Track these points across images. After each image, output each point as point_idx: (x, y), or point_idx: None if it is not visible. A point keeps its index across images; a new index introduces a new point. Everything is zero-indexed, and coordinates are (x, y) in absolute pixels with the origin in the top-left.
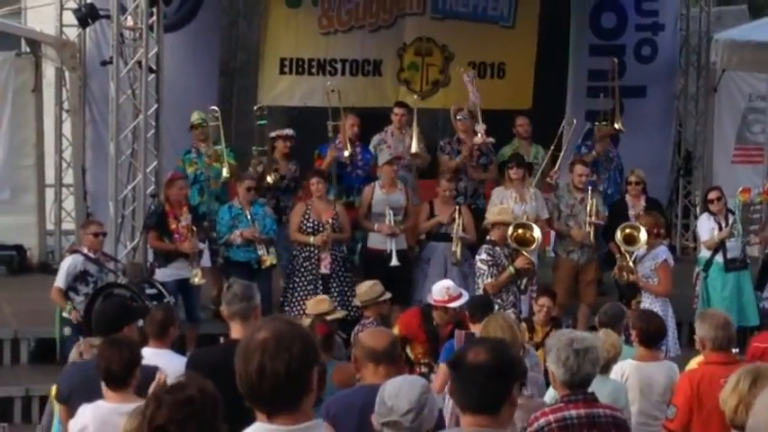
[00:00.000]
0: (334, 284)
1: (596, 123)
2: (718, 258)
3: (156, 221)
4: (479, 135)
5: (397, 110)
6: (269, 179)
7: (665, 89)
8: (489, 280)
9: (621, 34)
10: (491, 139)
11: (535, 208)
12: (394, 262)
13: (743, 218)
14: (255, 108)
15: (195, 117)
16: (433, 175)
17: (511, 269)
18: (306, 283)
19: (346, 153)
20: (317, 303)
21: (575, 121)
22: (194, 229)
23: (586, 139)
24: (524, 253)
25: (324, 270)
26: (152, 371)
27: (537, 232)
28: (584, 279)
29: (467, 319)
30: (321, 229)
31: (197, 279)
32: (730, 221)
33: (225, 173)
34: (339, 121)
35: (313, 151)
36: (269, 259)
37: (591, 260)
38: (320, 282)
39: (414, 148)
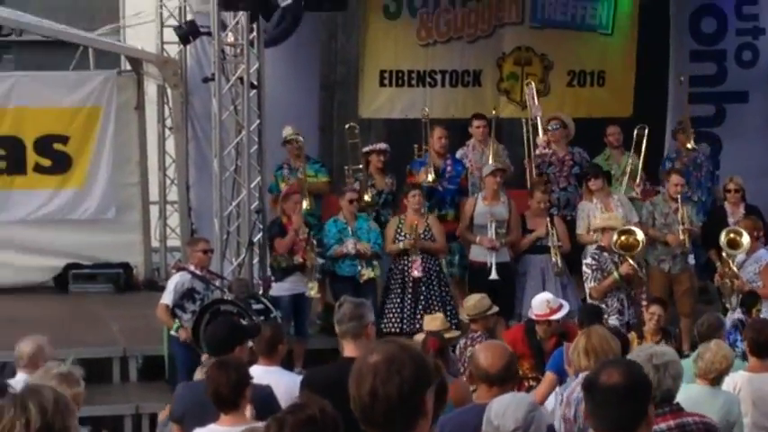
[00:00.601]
0: (425, 291)
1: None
2: None
3: (279, 231)
4: (540, 147)
5: (476, 122)
6: (366, 197)
7: (767, 94)
8: (593, 284)
9: (722, 39)
10: (548, 150)
11: (623, 214)
12: (493, 275)
13: None
14: (347, 127)
15: (288, 132)
16: (523, 186)
17: (615, 275)
18: (398, 290)
19: (430, 178)
20: (432, 320)
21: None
22: (313, 242)
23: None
24: (629, 259)
25: (415, 273)
26: (265, 390)
27: (641, 235)
28: (678, 289)
29: (572, 328)
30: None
31: (313, 292)
32: None
33: (305, 205)
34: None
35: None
36: (367, 273)
37: (684, 269)
38: (410, 288)
39: (491, 162)
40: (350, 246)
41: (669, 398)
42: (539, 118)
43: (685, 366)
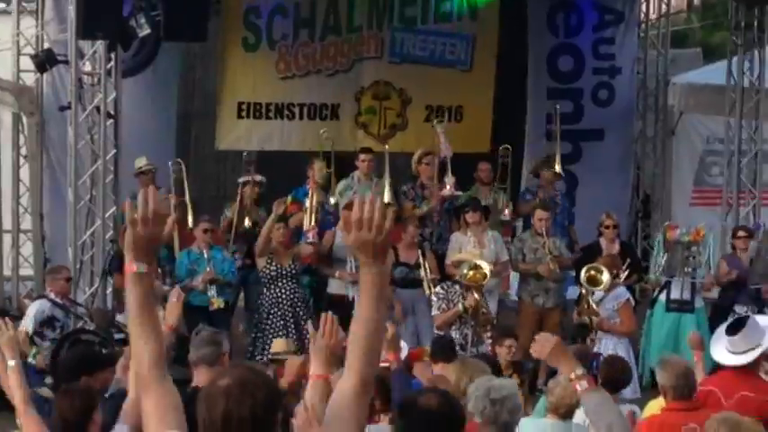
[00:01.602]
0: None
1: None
2: (662, 297)
3: (119, 265)
4: (448, 187)
5: (363, 156)
6: (247, 222)
7: (622, 132)
8: (437, 313)
9: (579, 78)
10: (459, 192)
11: (494, 251)
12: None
13: (671, 257)
14: (244, 154)
15: (142, 162)
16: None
17: (459, 306)
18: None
19: (332, 200)
20: (278, 344)
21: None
22: (159, 271)
23: (532, 185)
24: (474, 292)
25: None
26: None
27: (487, 269)
28: (548, 323)
29: (415, 359)
30: (283, 272)
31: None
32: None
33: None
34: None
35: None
36: (217, 302)
37: (556, 304)
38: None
39: (387, 198)
40: (198, 281)
41: None
42: (448, 157)
43: (541, 402)
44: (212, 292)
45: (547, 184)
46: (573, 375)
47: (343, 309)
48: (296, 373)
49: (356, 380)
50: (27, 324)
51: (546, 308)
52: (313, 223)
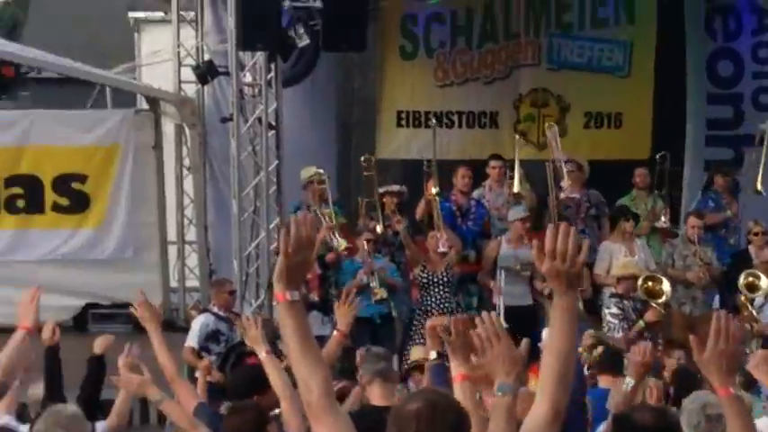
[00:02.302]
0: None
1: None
2: None
3: None
4: (566, 191)
5: (493, 163)
6: (378, 228)
7: None
8: (620, 334)
9: (738, 82)
10: (575, 195)
11: (644, 260)
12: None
13: None
14: (362, 159)
15: (311, 172)
16: (540, 228)
17: (641, 323)
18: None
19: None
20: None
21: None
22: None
23: (708, 191)
24: (655, 305)
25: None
26: None
27: (666, 285)
28: (699, 332)
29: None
30: (435, 279)
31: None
32: None
33: (337, 245)
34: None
35: None
36: (380, 292)
37: (704, 312)
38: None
39: (516, 188)
40: (360, 274)
41: None
42: (562, 161)
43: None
44: (374, 282)
45: (723, 190)
46: None
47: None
48: None
49: (548, 407)
50: (192, 339)
51: (694, 316)
52: (443, 230)
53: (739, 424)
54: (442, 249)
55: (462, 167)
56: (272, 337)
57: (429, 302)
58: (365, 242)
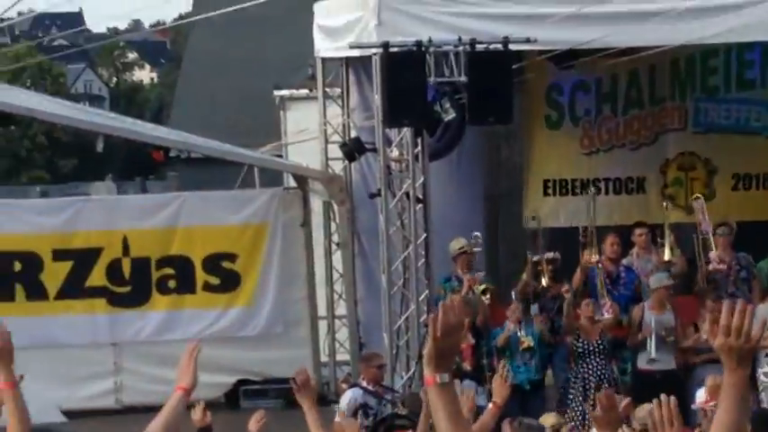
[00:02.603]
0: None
1: None
2: None
3: None
4: (713, 262)
5: (638, 230)
6: (543, 281)
7: None
8: None
9: None
10: (722, 266)
11: None
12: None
13: None
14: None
15: (460, 243)
16: (688, 291)
17: None
18: (579, 396)
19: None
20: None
21: None
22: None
23: None
24: None
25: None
26: None
27: None
28: None
29: None
30: (591, 348)
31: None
32: None
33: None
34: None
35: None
36: (527, 341)
37: None
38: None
39: (666, 255)
40: (510, 325)
41: None
42: (710, 233)
43: None
44: (521, 332)
45: None
46: None
47: (651, 384)
48: None
49: None
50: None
51: None
52: (606, 298)
53: None
54: (607, 315)
55: (611, 235)
56: (419, 410)
57: (585, 371)
58: (512, 311)
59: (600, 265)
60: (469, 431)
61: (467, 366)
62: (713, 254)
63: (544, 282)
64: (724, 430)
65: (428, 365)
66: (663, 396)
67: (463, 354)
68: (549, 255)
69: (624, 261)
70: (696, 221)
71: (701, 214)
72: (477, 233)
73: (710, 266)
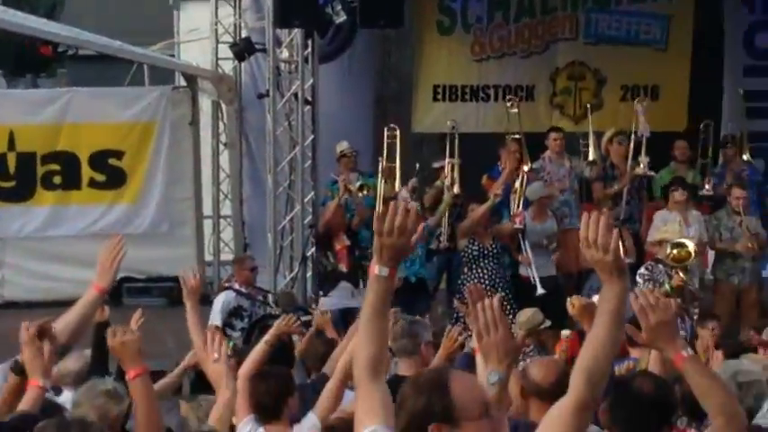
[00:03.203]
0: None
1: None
2: None
3: (325, 233)
4: (642, 166)
5: (554, 135)
6: (455, 189)
7: None
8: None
9: None
10: (652, 173)
11: (698, 230)
12: (539, 291)
13: None
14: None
15: (343, 146)
16: (590, 200)
17: (666, 287)
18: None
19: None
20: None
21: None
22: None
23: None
24: (680, 272)
25: None
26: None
27: (692, 247)
28: (746, 302)
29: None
30: (485, 252)
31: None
32: None
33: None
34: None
35: (479, 176)
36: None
37: (753, 282)
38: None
39: (591, 155)
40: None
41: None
42: (645, 137)
43: None
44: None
45: (729, 161)
46: None
47: (529, 290)
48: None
49: (573, 399)
50: (215, 318)
51: (743, 286)
52: (520, 208)
53: (706, 381)
54: (518, 226)
55: (514, 143)
56: (293, 309)
57: (479, 275)
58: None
59: (524, 176)
60: (380, 325)
61: (342, 268)
62: (644, 158)
63: (456, 189)
64: (593, 345)
65: (375, 255)
66: (487, 300)
67: (338, 255)
68: (454, 160)
69: (535, 165)
70: (635, 124)
71: (642, 117)
72: (394, 125)
73: (637, 170)
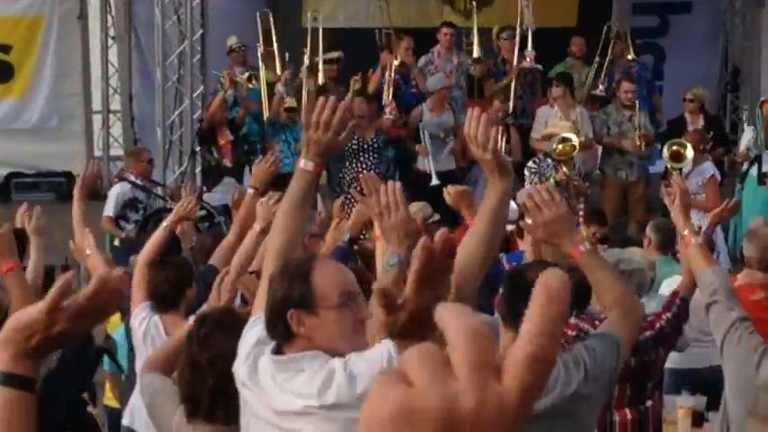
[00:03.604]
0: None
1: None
2: (753, 171)
3: (209, 128)
4: (528, 59)
5: (444, 29)
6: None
7: (711, 4)
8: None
9: None
10: (539, 66)
11: (580, 125)
12: (434, 182)
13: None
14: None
15: (233, 41)
16: (481, 96)
17: (552, 181)
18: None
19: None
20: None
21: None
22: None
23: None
24: (563, 166)
25: None
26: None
27: (576, 140)
28: (632, 196)
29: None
30: (365, 146)
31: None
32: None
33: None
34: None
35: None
36: (290, 102)
37: (640, 177)
38: None
39: (476, 53)
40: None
41: None
42: (530, 31)
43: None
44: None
45: (617, 58)
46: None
47: (426, 182)
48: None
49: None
50: (109, 209)
51: (630, 181)
52: (390, 98)
53: (603, 274)
54: (389, 117)
55: (406, 38)
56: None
57: (358, 168)
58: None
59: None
60: (297, 218)
61: (227, 163)
62: (530, 52)
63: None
64: (481, 239)
65: (303, 149)
66: (389, 183)
67: (222, 150)
68: (334, 54)
69: (422, 60)
70: (519, 18)
71: (527, 10)
72: (267, 10)
73: (523, 63)
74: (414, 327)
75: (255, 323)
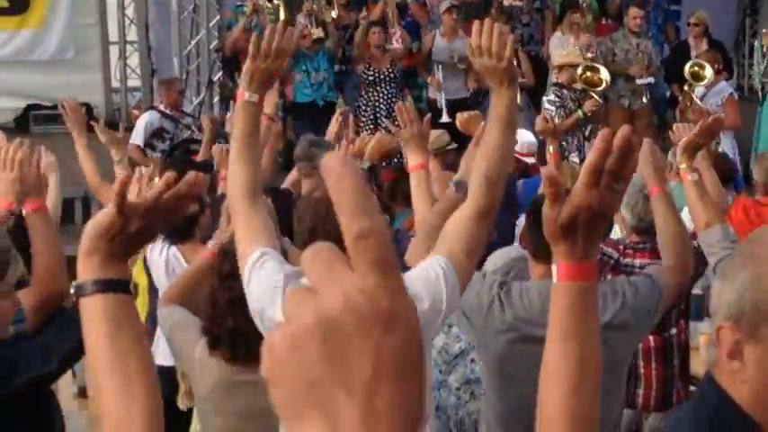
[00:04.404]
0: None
1: None
2: None
3: (232, 56)
4: None
5: None
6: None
7: None
8: (557, 122)
9: None
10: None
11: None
12: (444, 118)
13: None
14: None
15: None
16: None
17: (579, 112)
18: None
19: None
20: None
21: None
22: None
23: None
24: (594, 95)
25: None
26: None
27: (605, 74)
28: (638, 124)
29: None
30: (381, 76)
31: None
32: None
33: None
34: None
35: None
36: (315, 32)
37: (643, 105)
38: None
39: None
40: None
41: (653, 230)
42: None
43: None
44: (313, 28)
45: None
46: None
47: (437, 117)
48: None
49: (473, 207)
50: (137, 137)
51: (633, 109)
52: (396, 27)
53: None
54: (396, 45)
55: None
56: (216, 135)
57: (376, 99)
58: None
59: None
60: (254, 151)
61: None
62: None
63: (334, 14)
64: (490, 152)
65: (243, 81)
66: (399, 103)
67: None
68: None
69: None
70: None
71: None
72: None
73: None
74: (573, 226)
75: (266, 260)
